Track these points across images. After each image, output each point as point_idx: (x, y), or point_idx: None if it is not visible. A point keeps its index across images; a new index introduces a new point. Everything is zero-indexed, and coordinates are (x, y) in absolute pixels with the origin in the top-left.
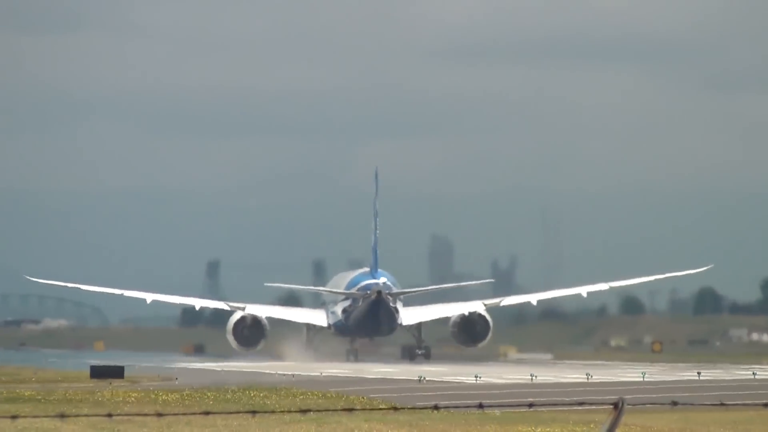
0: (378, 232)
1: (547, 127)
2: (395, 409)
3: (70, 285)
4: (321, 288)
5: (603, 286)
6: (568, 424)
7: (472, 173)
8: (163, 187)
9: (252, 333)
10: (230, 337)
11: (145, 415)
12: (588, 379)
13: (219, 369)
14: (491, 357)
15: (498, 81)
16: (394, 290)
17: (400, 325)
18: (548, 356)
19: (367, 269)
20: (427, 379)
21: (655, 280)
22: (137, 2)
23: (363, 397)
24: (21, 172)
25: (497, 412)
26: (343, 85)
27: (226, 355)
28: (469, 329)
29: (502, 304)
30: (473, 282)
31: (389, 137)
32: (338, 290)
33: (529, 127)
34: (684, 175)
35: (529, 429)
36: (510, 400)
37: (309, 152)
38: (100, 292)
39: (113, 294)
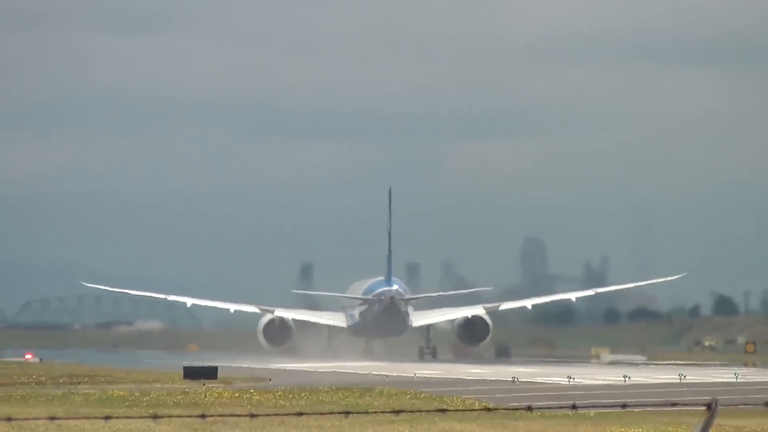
0: (392, 246)
1: (639, 128)
2: (488, 409)
3: (116, 290)
4: (341, 294)
5: (589, 293)
6: (660, 425)
7: (565, 175)
8: (254, 190)
9: (280, 333)
10: (260, 337)
11: (239, 416)
12: (681, 379)
13: (312, 370)
14: (584, 358)
15: (589, 82)
16: (405, 296)
17: (411, 326)
18: (641, 357)
19: (381, 277)
20: (519, 380)
21: (636, 286)
22: (223, 3)
23: (456, 398)
24: (107, 175)
25: (591, 412)
26: (435, 86)
27: (317, 356)
28: (472, 331)
29: (501, 308)
30: (475, 289)
31: (481, 139)
32: (356, 296)
33: (621, 128)
34: None
35: (622, 429)
36: (603, 401)
37: (401, 153)
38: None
39: (158, 298)
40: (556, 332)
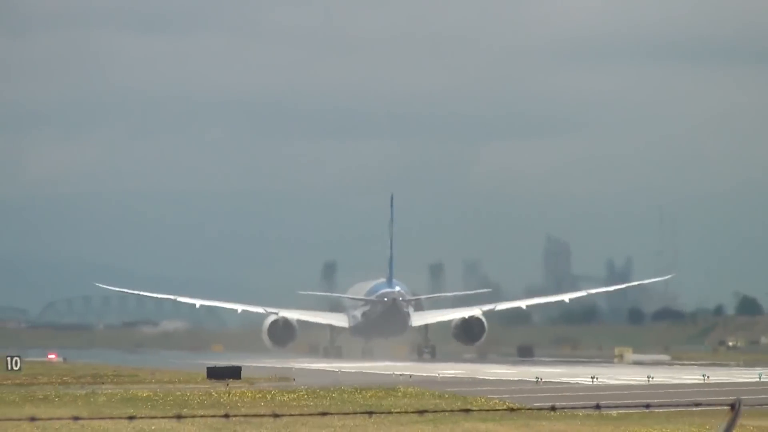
0: (394, 250)
1: (663, 129)
2: (512, 409)
3: (130, 291)
4: (346, 295)
5: (582, 293)
6: (684, 425)
7: (589, 175)
8: (279, 189)
9: (283, 333)
10: (264, 337)
11: (262, 416)
12: (705, 380)
13: (336, 370)
14: (607, 358)
15: (613, 84)
16: (408, 297)
17: (410, 326)
18: (665, 357)
19: (383, 279)
20: (543, 380)
21: (633, 286)
22: (250, 5)
23: (480, 398)
24: (131, 175)
25: (615, 412)
26: (461, 88)
27: (340, 355)
28: (468, 331)
29: (497, 308)
30: (472, 291)
31: (506, 140)
32: (360, 297)
33: (646, 127)
34: None
35: (646, 430)
36: (627, 401)
37: (427, 153)
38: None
39: (168, 299)
40: (579, 332)
